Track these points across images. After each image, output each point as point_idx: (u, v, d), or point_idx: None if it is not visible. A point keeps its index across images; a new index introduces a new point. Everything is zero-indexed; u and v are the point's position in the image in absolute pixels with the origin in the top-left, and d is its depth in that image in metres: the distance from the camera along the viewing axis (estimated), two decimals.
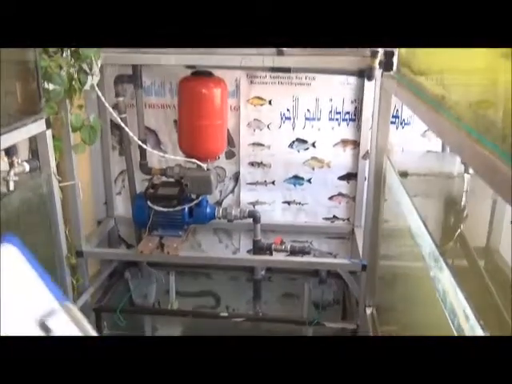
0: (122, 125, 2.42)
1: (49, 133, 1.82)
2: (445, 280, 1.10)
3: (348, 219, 2.86)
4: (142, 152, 2.62)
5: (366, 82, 2.45)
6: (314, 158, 2.75)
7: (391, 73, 1.82)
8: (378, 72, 2.14)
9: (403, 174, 1.89)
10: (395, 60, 1.85)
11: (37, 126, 1.72)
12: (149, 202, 2.50)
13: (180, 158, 2.52)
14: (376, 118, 2.05)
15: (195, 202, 2.53)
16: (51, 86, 1.87)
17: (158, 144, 2.78)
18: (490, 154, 0.78)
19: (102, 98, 2.28)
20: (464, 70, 1.12)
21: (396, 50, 1.87)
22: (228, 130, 2.66)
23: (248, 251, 2.86)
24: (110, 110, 2.35)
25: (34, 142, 1.93)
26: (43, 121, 1.75)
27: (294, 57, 2.25)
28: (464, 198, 1.84)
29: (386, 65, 1.87)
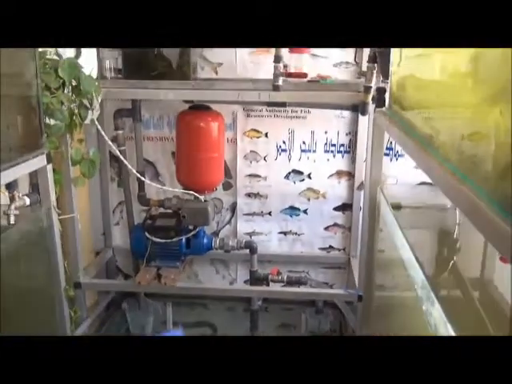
0: (121, 157, 2.46)
1: (49, 167, 1.85)
2: (436, 314, 1.12)
3: (344, 249, 2.88)
4: (141, 184, 2.65)
5: (360, 116, 2.51)
6: (309, 189, 2.79)
7: (383, 109, 1.87)
8: (371, 107, 2.19)
9: (396, 207, 1.93)
10: (387, 96, 1.91)
11: (38, 161, 1.76)
12: (147, 233, 2.52)
13: (178, 189, 2.56)
14: (370, 151, 2.10)
15: (192, 232, 2.55)
16: (52, 121, 1.92)
17: (156, 176, 2.82)
18: (472, 195, 0.81)
19: (102, 132, 2.32)
20: (451, 107, 1.16)
21: (388, 87, 1.94)
22: (225, 161, 2.71)
23: (245, 282, 2.88)
24: (110, 143, 2.39)
25: (34, 175, 1.97)
26: (44, 156, 1.79)
27: (289, 92, 2.31)
28: (457, 230, 1.87)
29: (378, 101, 1.93)
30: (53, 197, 1.89)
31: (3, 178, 1.53)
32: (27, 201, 1.80)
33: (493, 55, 0.87)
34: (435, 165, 1.05)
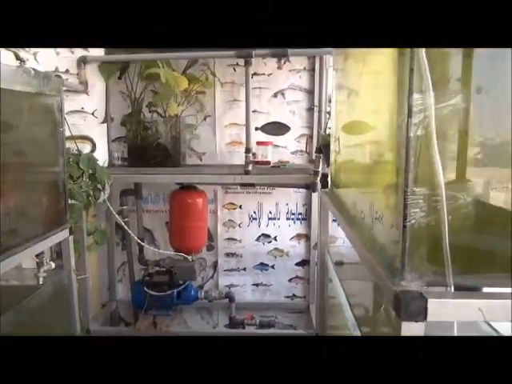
0: (125, 227, 2.65)
1: (71, 238, 2.02)
2: None
3: (304, 297, 3.05)
4: (140, 247, 2.83)
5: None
6: (276, 249, 2.99)
7: (326, 190, 2.12)
8: (319, 186, 2.45)
9: (340, 263, 2.13)
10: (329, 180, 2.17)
11: (63, 234, 1.93)
12: (145, 288, 2.66)
13: (170, 252, 2.73)
14: (318, 221, 2.33)
15: (182, 286, 2.70)
16: (73, 201, 2.12)
17: (153, 240, 2.99)
18: (373, 259, 1.03)
19: (111, 208, 2.53)
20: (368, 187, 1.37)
21: (329, 172, 2.19)
22: (208, 228, 2.91)
23: (225, 326, 2.99)
24: (117, 216, 2.59)
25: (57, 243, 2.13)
26: (67, 230, 1.97)
27: (257, 175, 2.56)
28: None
29: (323, 183, 2.18)
30: (73, 262, 2.04)
31: (37, 248, 1.70)
32: (53, 265, 1.96)
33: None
34: (355, 238, 1.27)
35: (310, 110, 2.83)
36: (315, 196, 2.74)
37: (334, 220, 2.45)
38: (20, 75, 1.66)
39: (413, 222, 0.80)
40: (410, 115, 0.76)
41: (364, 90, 1.38)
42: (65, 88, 2.22)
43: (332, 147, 2.10)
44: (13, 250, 1.55)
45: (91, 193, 2.27)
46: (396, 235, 0.87)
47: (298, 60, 2.77)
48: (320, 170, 2.44)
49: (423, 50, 0.77)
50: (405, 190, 0.79)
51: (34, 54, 2.28)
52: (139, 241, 2.73)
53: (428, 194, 0.79)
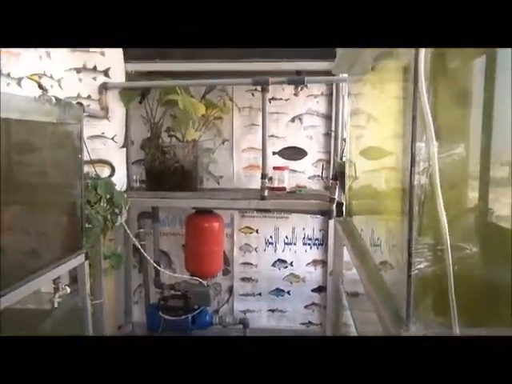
0: (142, 250, 2.68)
1: (86, 263, 2.05)
2: None
3: (321, 324, 3.00)
4: (157, 270, 2.85)
5: None
6: (292, 275, 2.97)
7: (341, 218, 2.11)
8: (335, 213, 2.43)
9: (355, 294, 2.10)
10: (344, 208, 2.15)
11: (79, 259, 1.97)
12: (160, 312, 2.67)
13: (186, 276, 2.75)
14: (333, 249, 2.31)
15: (197, 311, 2.70)
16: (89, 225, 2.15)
17: (169, 263, 3.01)
18: (385, 317, 1.00)
19: (128, 231, 2.57)
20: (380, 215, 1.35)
21: (344, 199, 2.18)
22: (224, 252, 2.92)
23: None
24: (134, 239, 2.63)
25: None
26: (83, 255, 2.00)
27: (273, 200, 2.56)
28: None
29: (337, 212, 2.17)
30: (87, 287, 2.07)
31: (55, 273, 1.74)
32: (68, 290, 1.99)
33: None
34: (363, 274, 1.26)
35: (327, 135, 2.83)
36: (332, 222, 2.73)
37: None
38: (41, 105, 1.72)
39: (417, 271, 0.78)
40: (412, 164, 0.76)
41: (380, 115, 1.38)
42: (86, 114, 2.29)
43: (347, 172, 2.10)
44: (31, 276, 1.59)
45: (109, 217, 2.31)
46: (401, 279, 0.86)
47: (315, 85, 2.78)
48: (336, 197, 2.43)
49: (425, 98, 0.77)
50: (409, 239, 0.78)
51: (59, 81, 2.37)
52: (155, 265, 2.75)
53: (432, 243, 0.77)
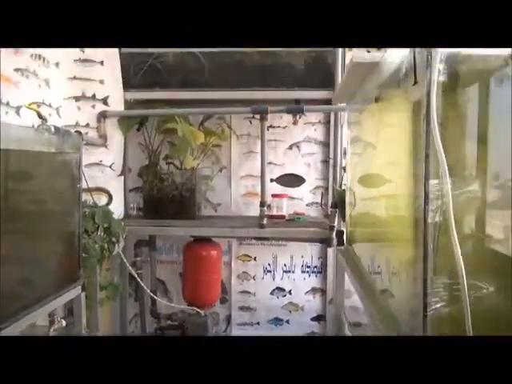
0: (139, 280, 2.63)
1: (83, 295, 2.00)
2: None
3: None
4: (153, 300, 2.79)
5: None
6: (290, 303, 2.92)
7: (342, 247, 2.09)
8: (335, 242, 2.41)
9: (358, 324, 2.07)
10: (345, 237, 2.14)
11: (75, 291, 1.92)
12: None
13: (183, 306, 2.69)
14: (333, 276, 2.28)
15: None
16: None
17: (165, 292, 2.96)
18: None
19: (125, 260, 2.52)
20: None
21: (345, 227, 2.17)
22: (222, 280, 2.86)
23: None
24: (130, 268, 2.58)
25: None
26: (80, 286, 1.95)
27: (271, 228, 2.53)
28: None
29: (338, 241, 2.15)
30: (84, 320, 2.01)
31: (50, 307, 1.69)
32: (64, 323, 1.93)
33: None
34: (367, 303, 1.23)
35: (325, 162, 2.83)
36: (331, 249, 2.70)
37: None
38: (41, 135, 1.71)
39: (432, 312, 0.76)
40: (426, 202, 0.75)
41: (379, 143, 1.38)
42: (84, 142, 2.27)
43: (347, 199, 2.09)
44: (27, 310, 1.54)
45: (106, 246, 2.27)
46: (415, 320, 0.84)
47: (313, 113, 2.80)
48: (335, 224, 2.41)
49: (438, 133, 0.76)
50: (424, 278, 0.76)
51: (57, 109, 2.36)
52: (152, 294, 2.69)
53: (448, 282, 0.76)
